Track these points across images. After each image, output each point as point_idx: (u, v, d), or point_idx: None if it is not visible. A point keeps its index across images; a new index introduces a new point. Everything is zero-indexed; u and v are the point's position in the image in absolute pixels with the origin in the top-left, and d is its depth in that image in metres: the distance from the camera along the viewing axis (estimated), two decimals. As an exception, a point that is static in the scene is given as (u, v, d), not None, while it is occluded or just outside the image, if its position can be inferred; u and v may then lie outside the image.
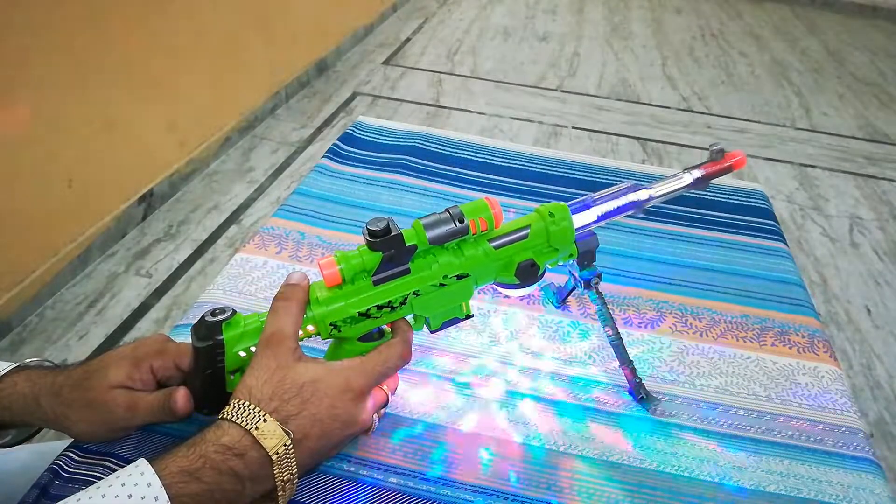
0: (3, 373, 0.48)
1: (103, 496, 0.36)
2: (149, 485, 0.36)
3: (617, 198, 0.53)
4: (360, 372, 0.44)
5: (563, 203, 0.51)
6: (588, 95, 2.93)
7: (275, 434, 0.39)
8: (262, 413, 0.40)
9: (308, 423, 0.41)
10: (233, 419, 0.40)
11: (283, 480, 0.40)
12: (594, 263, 0.55)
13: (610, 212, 0.53)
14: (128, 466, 0.37)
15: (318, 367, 0.43)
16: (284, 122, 2.48)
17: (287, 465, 0.40)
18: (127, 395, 0.46)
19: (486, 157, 0.94)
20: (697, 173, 0.56)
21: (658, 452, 0.53)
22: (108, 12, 1.62)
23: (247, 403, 0.40)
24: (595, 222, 0.53)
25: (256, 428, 0.39)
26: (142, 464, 0.37)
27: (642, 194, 0.53)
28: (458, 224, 0.46)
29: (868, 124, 2.89)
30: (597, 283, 0.56)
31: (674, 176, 0.56)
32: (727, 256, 0.77)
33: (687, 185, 0.56)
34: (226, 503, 0.39)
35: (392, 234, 0.45)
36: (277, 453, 0.39)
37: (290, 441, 0.40)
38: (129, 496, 0.35)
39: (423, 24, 3.62)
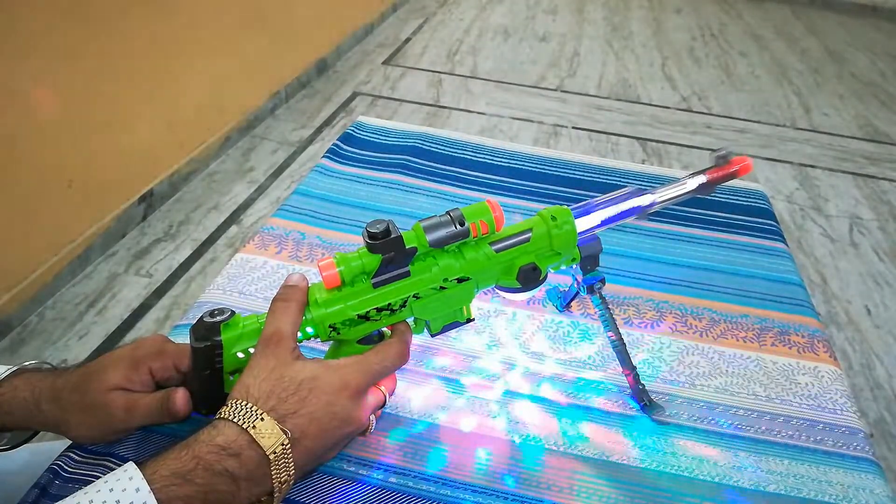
0: (2, 377, 0.47)
1: (90, 501, 0.35)
2: (137, 490, 0.35)
3: (620, 202, 0.53)
4: (357, 370, 0.44)
5: (565, 207, 0.51)
6: (588, 95, 2.93)
7: (272, 433, 0.39)
8: (259, 411, 0.39)
9: (306, 421, 0.41)
10: (229, 418, 0.39)
11: (280, 481, 0.39)
12: (597, 267, 0.55)
13: (612, 217, 0.53)
14: (116, 470, 0.37)
15: (316, 365, 0.43)
16: (284, 122, 2.48)
17: (284, 466, 0.39)
18: (125, 396, 0.45)
19: (486, 157, 0.94)
20: (701, 179, 0.56)
21: (658, 452, 0.53)
22: (108, 12, 1.62)
23: (244, 402, 0.40)
24: (597, 227, 0.52)
25: (253, 427, 0.39)
26: (130, 468, 0.37)
27: (645, 199, 0.53)
28: (458, 227, 0.46)
29: (868, 124, 2.89)
30: (600, 288, 0.55)
31: (678, 181, 0.56)
32: (727, 256, 0.77)
33: (691, 191, 0.56)
34: None
35: (392, 236, 0.44)
36: (275, 453, 0.39)
37: (287, 441, 0.39)
38: (117, 502, 0.35)
39: (423, 24, 3.62)
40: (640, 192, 0.53)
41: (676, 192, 0.55)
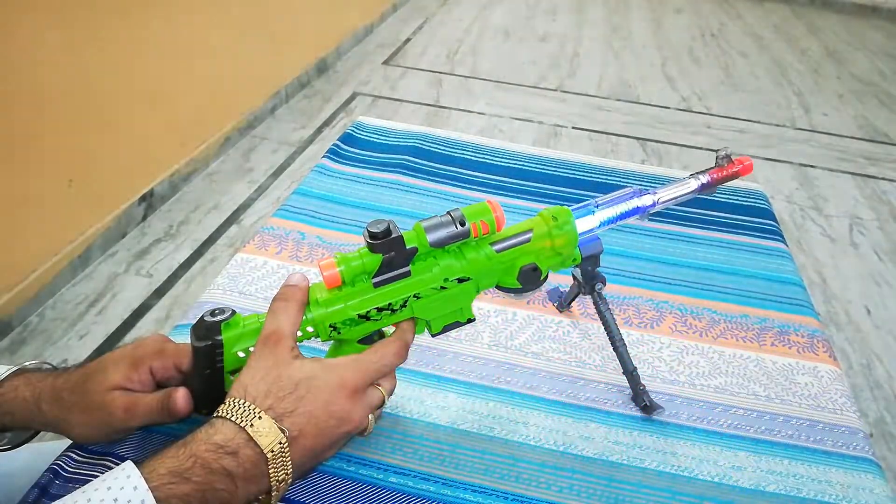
0: (2, 377, 0.47)
1: (88, 500, 0.35)
2: (135, 488, 0.35)
3: (621, 203, 0.53)
4: (355, 369, 0.44)
5: (566, 207, 0.51)
6: (588, 96, 2.93)
7: (270, 432, 0.39)
8: (257, 410, 0.39)
9: (304, 420, 0.41)
10: (227, 416, 0.39)
11: (277, 480, 0.39)
12: (598, 268, 0.55)
13: (613, 217, 0.53)
14: (115, 469, 0.37)
15: (314, 364, 0.43)
16: (284, 122, 2.48)
17: (282, 465, 0.39)
18: (125, 396, 0.45)
19: (486, 157, 0.94)
20: (703, 179, 0.56)
21: (658, 452, 0.53)
22: (109, 13, 1.62)
23: (241, 401, 0.40)
24: (598, 227, 0.52)
25: (251, 425, 0.39)
26: (128, 466, 0.37)
27: (647, 200, 0.53)
28: (459, 227, 0.46)
29: (868, 124, 2.89)
30: (601, 289, 0.55)
31: (679, 181, 0.56)
32: (727, 256, 0.77)
33: (692, 192, 0.55)
34: None
35: (392, 235, 0.44)
36: (272, 451, 0.39)
37: (285, 439, 0.39)
38: (115, 500, 0.35)
39: (423, 24, 3.62)
40: (641, 193, 0.53)
41: (678, 192, 0.55)
